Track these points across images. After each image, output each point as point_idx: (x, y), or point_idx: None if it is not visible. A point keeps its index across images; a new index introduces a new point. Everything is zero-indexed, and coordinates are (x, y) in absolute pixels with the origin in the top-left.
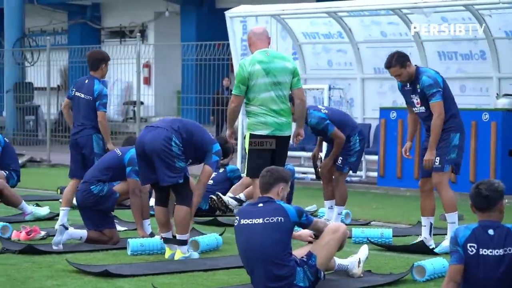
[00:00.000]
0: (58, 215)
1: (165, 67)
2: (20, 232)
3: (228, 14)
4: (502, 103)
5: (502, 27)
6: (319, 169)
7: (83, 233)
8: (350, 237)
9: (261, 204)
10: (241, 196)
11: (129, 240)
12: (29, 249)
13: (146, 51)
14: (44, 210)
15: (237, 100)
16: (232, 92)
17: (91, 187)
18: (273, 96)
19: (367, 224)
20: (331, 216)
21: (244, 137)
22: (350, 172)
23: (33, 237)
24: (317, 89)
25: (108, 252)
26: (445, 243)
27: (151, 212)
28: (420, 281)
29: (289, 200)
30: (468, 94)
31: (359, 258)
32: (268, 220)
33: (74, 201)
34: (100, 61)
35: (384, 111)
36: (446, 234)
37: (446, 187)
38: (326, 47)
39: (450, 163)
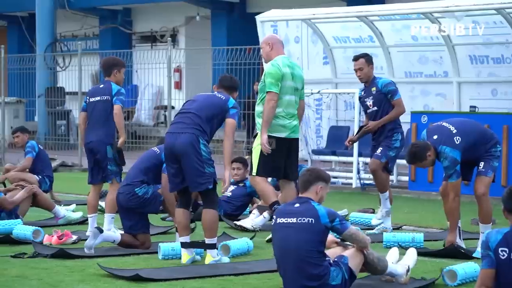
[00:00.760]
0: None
1: (196, 71)
2: (52, 236)
3: (259, 18)
4: None
5: None
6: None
7: (117, 236)
8: (381, 242)
9: (297, 204)
10: (266, 215)
11: (160, 244)
12: (61, 253)
13: (177, 56)
14: (76, 214)
15: (276, 97)
16: (270, 90)
17: (136, 190)
18: (294, 101)
19: (398, 228)
20: (386, 206)
21: (254, 136)
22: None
23: (65, 241)
24: (348, 93)
25: (139, 257)
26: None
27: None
28: (451, 285)
29: None
30: (500, 98)
31: (408, 266)
32: (301, 220)
33: (102, 204)
34: (112, 67)
35: (415, 115)
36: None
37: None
38: (357, 51)
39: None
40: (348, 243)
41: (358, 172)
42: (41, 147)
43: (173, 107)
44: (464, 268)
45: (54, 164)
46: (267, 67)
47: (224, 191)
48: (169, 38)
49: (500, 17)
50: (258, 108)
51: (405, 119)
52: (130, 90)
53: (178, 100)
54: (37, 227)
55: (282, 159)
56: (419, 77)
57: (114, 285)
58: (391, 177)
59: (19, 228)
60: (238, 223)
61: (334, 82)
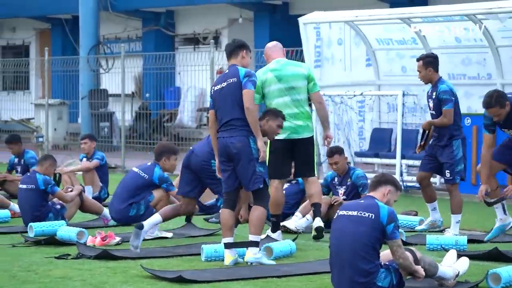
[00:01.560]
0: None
1: None
2: (96, 238)
3: (301, 20)
4: None
5: None
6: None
7: (158, 219)
8: (424, 245)
9: (362, 200)
10: (309, 217)
11: (203, 246)
12: (104, 255)
13: (219, 58)
14: None
15: (256, 107)
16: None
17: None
18: (288, 101)
19: (441, 231)
20: (435, 216)
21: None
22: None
23: (108, 243)
24: (391, 96)
25: (182, 258)
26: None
27: None
28: None
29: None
30: None
31: (458, 272)
32: (361, 214)
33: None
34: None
35: None
36: None
37: None
38: (400, 53)
39: None
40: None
41: (401, 175)
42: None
43: None
44: (508, 271)
45: None
46: None
47: (262, 160)
48: (212, 40)
49: None
50: None
51: None
52: (172, 92)
53: None
54: (81, 229)
55: (286, 160)
56: (462, 79)
57: (156, 287)
58: (434, 180)
59: (64, 229)
60: (282, 223)
61: (377, 84)
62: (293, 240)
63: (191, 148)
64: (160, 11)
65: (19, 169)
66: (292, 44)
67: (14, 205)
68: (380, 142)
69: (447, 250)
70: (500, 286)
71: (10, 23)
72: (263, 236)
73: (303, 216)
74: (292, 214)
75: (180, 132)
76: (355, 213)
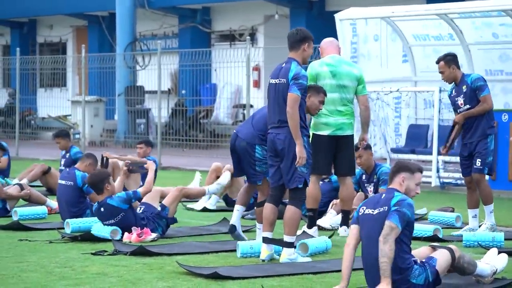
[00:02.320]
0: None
1: None
2: (132, 234)
3: (338, 16)
4: None
5: None
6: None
7: (240, 209)
8: (460, 241)
9: (384, 195)
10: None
11: (238, 242)
12: (140, 251)
13: (255, 54)
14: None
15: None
16: None
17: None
18: (336, 98)
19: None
20: (474, 225)
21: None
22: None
23: (144, 239)
24: (427, 92)
25: (218, 255)
26: None
27: None
28: None
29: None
30: None
31: (496, 269)
32: (379, 210)
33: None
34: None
35: (496, 114)
36: None
37: None
38: (437, 49)
39: None
40: (437, 244)
41: (438, 171)
42: None
43: (251, 106)
44: None
45: None
46: None
47: (299, 165)
48: (248, 37)
49: None
50: None
51: None
52: (209, 88)
53: (256, 98)
54: (115, 227)
55: (327, 155)
56: (499, 75)
57: (192, 283)
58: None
59: (97, 227)
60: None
61: (413, 80)
62: (329, 237)
63: (234, 131)
64: (196, 8)
65: (62, 162)
66: None
67: (51, 202)
68: (417, 138)
69: (483, 247)
70: None
71: (47, 20)
72: (299, 232)
73: (338, 213)
74: (324, 212)
75: (216, 128)
76: (375, 211)
